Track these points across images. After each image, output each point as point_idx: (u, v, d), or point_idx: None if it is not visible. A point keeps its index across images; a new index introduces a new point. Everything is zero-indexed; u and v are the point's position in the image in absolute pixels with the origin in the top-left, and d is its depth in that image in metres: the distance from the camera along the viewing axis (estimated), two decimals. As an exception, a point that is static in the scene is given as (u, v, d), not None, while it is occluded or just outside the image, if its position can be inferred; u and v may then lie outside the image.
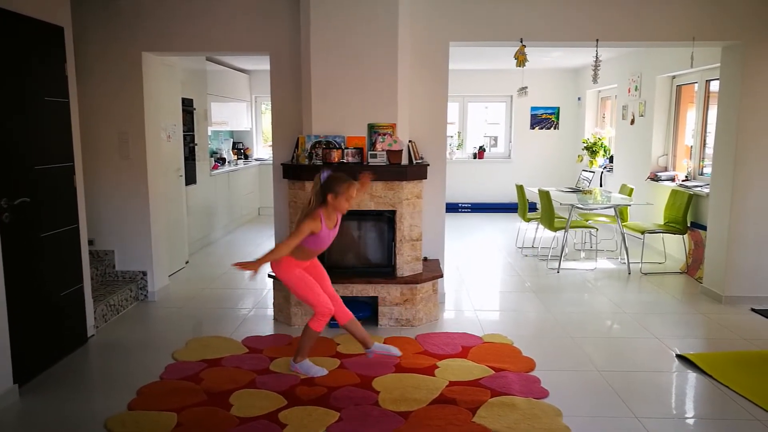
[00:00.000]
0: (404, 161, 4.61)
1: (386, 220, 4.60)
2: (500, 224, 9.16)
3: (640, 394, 3.38)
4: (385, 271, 4.62)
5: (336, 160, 4.49)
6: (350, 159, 4.53)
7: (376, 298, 4.57)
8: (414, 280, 4.51)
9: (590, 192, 7.01)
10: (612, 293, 5.41)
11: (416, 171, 4.57)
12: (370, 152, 4.53)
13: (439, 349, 3.91)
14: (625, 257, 6.26)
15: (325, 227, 3.46)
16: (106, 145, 5.02)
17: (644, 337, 4.27)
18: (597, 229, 6.64)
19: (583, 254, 6.89)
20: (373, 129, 4.59)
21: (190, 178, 6.91)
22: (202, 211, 7.39)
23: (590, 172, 7.56)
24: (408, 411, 3.07)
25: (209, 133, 8.05)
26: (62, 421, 3.08)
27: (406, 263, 4.60)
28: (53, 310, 3.81)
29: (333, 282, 4.42)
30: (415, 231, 4.64)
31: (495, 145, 10.72)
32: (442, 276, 4.70)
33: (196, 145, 7.11)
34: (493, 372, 3.55)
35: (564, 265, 6.37)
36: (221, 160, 8.90)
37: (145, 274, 5.20)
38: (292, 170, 4.56)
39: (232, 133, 9.98)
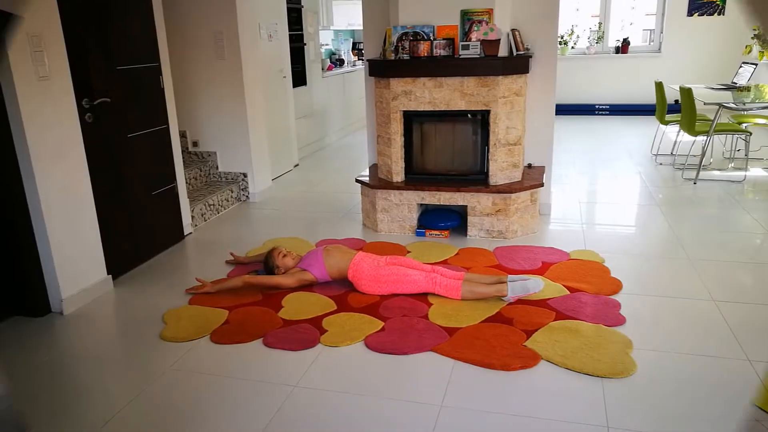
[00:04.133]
0: (503, 53, 4.06)
1: (479, 121, 4.15)
2: (641, 128, 8.11)
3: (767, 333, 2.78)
4: (477, 178, 4.23)
5: (424, 53, 4.05)
6: (440, 51, 4.06)
7: (465, 207, 4.22)
8: (508, 189, 4.07)
9: (748, 89, 5.83)
10: (760, 210, 4.53)
11: (514, 64, 4.00)
12: (462, 43, 4.03)
13: (516, 264, 3.53)
14: (786, 168, 5.20)
15: (316, 272, 3.37)
16: (203, 45, 5.01)
17: (788, 265, 3.52)
18: (750, 134, 5.54)
19: (732, 164, 5.86)
20: (466, 16, 4.05)
21: (299, 80, 6.81)
22: (313, 114, 7.33)
23: (752, 64, 6.26)
24: (456, 327, 2.81)
25: (331, 34, 7.82)
26: (131, 311, 3.25)
27: (500, 170, 4.15)
28: (145, 208, 3.96)
29: (420, 189, 4.16)
30: (513, 134, 4.14)
31: (645, 40, 9.34)
32: (542, 185, 4.19)
33: (305, 45, 6.94)
34: (568, 293, 3.13)
35: (705, 175, 5.46)
36: (340, 62, 8.71)
37: (246, 175, 5.29)
38: (377, 66, 4.21)
39: (353, 33, 9.68)
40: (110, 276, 3.60)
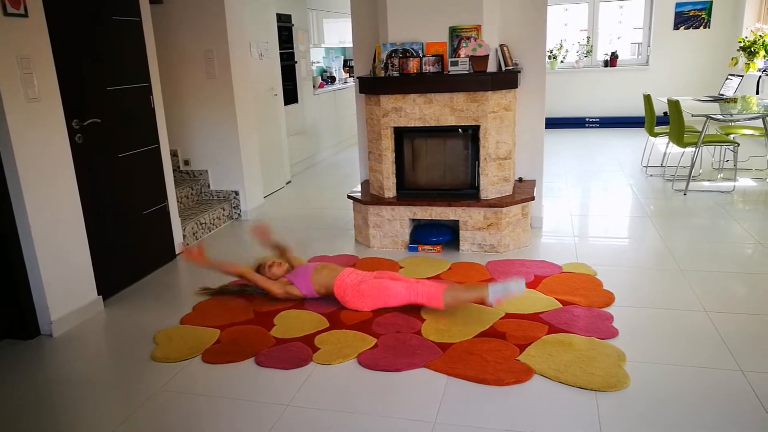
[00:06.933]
0: (492, 68, 4.10)
1: (469, 136, 4.17)
2: (631, 141, 8.17)
3: (759, 343, 2.77)
4: (469, 193, 4.24)
5: (413, 70, 4.09)
6: (429, 68, 4.10)
7: (457, 221, 4.23)
8: (499, 203, 4.08)
9: (735, 100, 5.89)
10: (750, 220, 4.56)
11: (503, 79, 4.03)
12: (451, 59, 4.06)
13: (508, 278, 3.52)
14: (775, 177, 5.24)
15: (290, 277, 3.45)
16: (194, 64, 5.03)
17: (779, 274, 3.54)
18: (738, 144, 5.59)
19: (721, 174, 5.90)
20: (455, 32, 4.08)
21: (291, 98, 6.84)
22: (305, 131, 7.35)
23: (738, 76, 6.34)
24: (449, 343, 2.81)
25: (322, 51, 7.87)
26: (121, 332, 3.22)
27: (491, 185, 4.17)
28: (136, 228, 3.95)
29: (412, 204, 4.17)
30: (503, 148, 4.16)
31: (633, 53, 9.45)
32: (533, 199, 4.21)
33: (296, 62, 6.98)
34: (561, 306, 3.13)
35: (695, 186, 5.50)
36: (331, 79, 8.76)
37: (237, 193, 5.28)
38: (367, 84, 4.24)
39: (343, 51, 9.75)
40: (101, 297, 3.57)
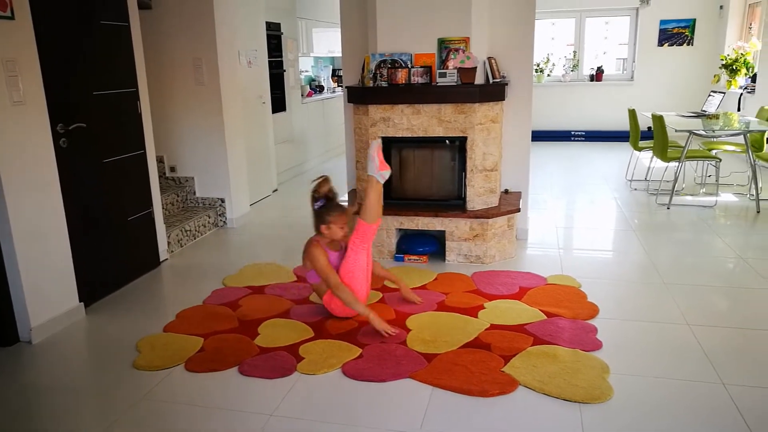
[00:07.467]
0: (480, 80, 4.13)
1: (456, 148, 4.19)
2: (616, 155, 8.26)
3: (740, 357, 2.81)
4: (455, 203, 4.25)
5: (402, 81, 4.11)
6: (418, 79, 4.12)
7: (444, 232, 4.24)
8: (485, 214, 4.10)
9: (717, 116, 5.99)
10: (732, 235, 4.63)
11: (491, 91, 4.06)
12: (439, 71, 4.08)
13: (494, 289, 3.54)
14: (755, 192, 5.31)
15: (331, 252, 3.26)
16: (182, 71, 5.01)
17: (764, 289, 3.58)
18: (720, 160, 5.67)
19: (703, 189, 5.98)
20: (443, 44, 4.11)
21: (279, 106, 6.84)
22: (293, 139, 7.34)
23: (719, 93, 6.45)
24: (434, 353, 2.81)
25: (311, 60, 7.88)
26: (103, 339, 3.18)
27: (477, 196, 4.19)
28: (120, 234, 3.91)
29: (398, 214, 4.19)
30: (490, 160, 4.18)
31: (619, 68, 9.58)
32: (518, 210, 4.23)
33: (285, 71, 6.99)
34: (545, 317, 3.14)
35: (678, 200, 5.57)
36: (319, 88, 8.77)
37: (223, 201, 5.25)
38: (356, 93, 4.25)
39: (333, 60, 9.77)
40: (82, 303, 3.52)
